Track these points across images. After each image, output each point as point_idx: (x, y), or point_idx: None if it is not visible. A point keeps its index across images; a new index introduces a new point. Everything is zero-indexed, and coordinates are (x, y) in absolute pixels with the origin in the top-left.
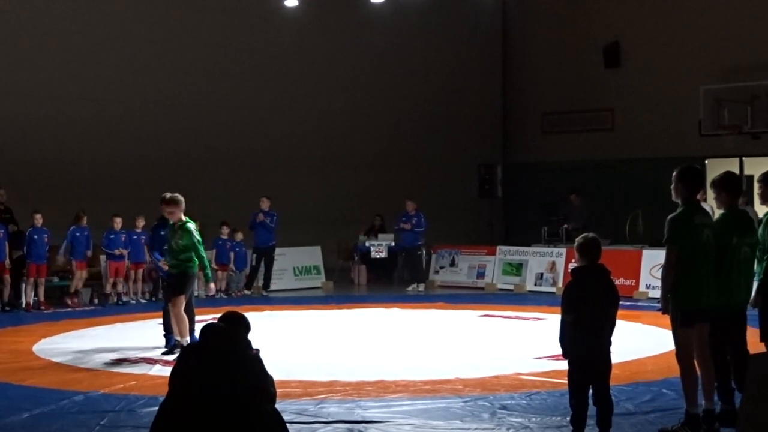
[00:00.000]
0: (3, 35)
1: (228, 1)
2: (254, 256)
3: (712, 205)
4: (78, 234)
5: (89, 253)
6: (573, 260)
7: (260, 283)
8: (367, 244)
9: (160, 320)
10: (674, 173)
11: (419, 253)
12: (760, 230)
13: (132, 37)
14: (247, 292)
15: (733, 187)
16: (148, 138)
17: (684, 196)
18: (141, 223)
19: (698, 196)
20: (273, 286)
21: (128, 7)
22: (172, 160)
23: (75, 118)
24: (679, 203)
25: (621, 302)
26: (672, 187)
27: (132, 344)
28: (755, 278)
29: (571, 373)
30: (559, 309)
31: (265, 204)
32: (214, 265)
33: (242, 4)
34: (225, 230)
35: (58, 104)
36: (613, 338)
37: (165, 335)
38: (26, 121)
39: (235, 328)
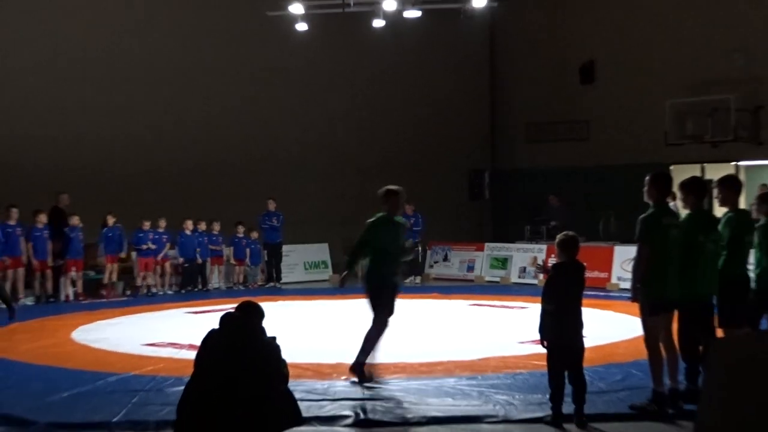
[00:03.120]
0: (59, 59)
1: (247, 26)
2: (265, 252)
3: (678, 206)
4: (110, 234)
5: (123, 253)
6: (553, 255)
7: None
8: None
9: (187, 309)
10: (647, 178)
11: (416, 249)
12: (720, 227)
13: (166, 64)
14: (276, 284)
15: (699, 190)
16: (175, 149)
17: (655, 198)
18: (163, 223)
19: (667, 199)
20: (285, 279)
21: (160, 36)
22: (194, 168)
23: (109, 134)
24: (651, 204)
25: (595, 293)
26: (645, 189)
27: (160, 331)
28: None
29: (550, 357)
30: (540, 299)
31: (271, 205)
32: (232, 261)
33: (259, 29)
34: (240, 229)
35: (90, 121)
36: (586, 325)
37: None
38: (65, 136)
39: (251, 316)
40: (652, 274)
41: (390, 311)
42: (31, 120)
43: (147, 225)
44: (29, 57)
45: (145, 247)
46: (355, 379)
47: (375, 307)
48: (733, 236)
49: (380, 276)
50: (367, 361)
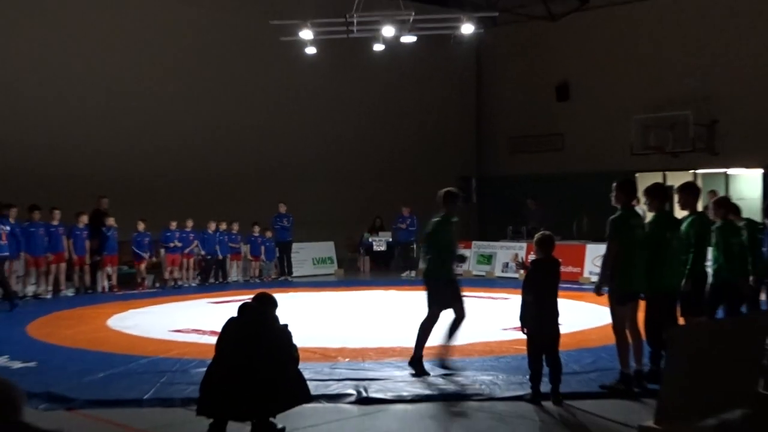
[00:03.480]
0: (100, 79)
1: (264, 50)
2: (277, 249)
3: (643, 209)
4: (139, 239)
5: (148, 255)
6: (532, 252)
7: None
8: (370, 240)
9: (209, 300)
10: (614, 184)
11: (412, 246)
12: (683, 228)
13: (194, 85)
14: (288, 277)
15: (662, 195)
16: (199, 159)
17: (622, 202)
18: (190, 223)
19: (633, 202)
20: (296, 273)
21: (187, 58)
22: (216, 175)
23: (145, 146)
24: (618, 208)
25: (569, 286)
26: (613, 195)
27: (185, 319)
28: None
29: (529, 342)
30: (520, 291)
31: (282, 208)
32: (249, 257)
33: (274, 53)
34: (256, 229)
35: (128, 134)
36: (561, 314)
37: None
38: (105, 146)
39: (265, 306)
40: (621, 269)
41: (444, 305)
42: (73, 131)
43: (174, 225)
44: (70, 75)
45: (172, 245)
46: (413, 372)
47: (432, 300)
48: (698, 236)
49: (441, 272)
50: (445, 344)
